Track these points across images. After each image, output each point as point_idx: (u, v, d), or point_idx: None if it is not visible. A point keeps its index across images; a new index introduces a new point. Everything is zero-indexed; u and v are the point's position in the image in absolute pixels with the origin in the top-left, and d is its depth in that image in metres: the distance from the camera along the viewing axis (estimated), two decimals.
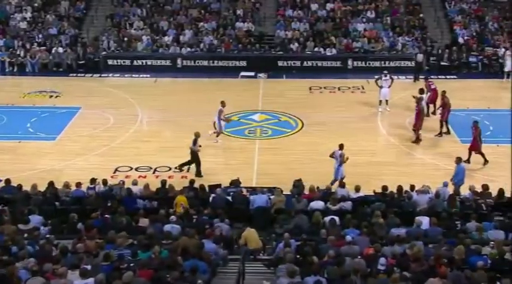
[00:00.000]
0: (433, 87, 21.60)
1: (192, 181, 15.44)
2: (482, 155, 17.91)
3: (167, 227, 12.50)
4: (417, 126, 19.34)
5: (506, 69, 25.47)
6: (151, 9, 31.33)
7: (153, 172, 17.91)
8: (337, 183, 16.06)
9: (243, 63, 28.13)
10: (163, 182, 15.31)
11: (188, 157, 17.68)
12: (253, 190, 15.20)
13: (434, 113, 21.32)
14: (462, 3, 30.72)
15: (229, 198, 14.74)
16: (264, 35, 29.92)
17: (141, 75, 27.48)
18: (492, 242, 11.62)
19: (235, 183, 15.85)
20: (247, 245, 12.38)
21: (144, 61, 28.42)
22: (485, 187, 14.61)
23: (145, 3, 31.48)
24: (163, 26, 30.09)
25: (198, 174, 17.44)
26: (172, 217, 12.86)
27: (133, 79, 27.18)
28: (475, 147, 17.80)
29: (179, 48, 28.77)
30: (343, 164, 16.57)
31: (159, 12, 30.99)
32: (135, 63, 28.33)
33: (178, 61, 28.34)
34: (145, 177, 17.47)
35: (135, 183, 15.48)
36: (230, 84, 26.40)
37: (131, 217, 13.05)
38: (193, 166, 17.73)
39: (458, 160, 15.97)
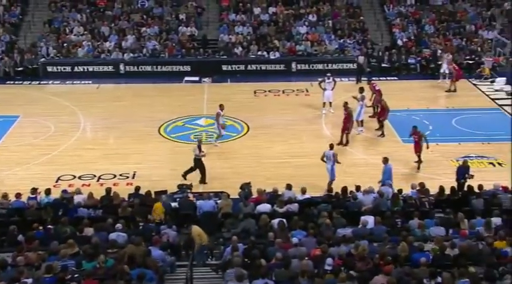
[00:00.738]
0: (377, 88, 22.07)
1: (137, 188, 15.23)
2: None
3: (113, 235, 12.28)
4: (346, 130, 19.44)
5: (442, 70, 26.28)
6: (92, 14, 30.76)
7: (97, 180, 17.55)
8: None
9: (187, 68, 27.99)
10: (108, 190, 15.03)
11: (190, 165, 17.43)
12: (200, 196, 15.16)
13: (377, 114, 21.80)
14: (400, 7, 31.58)
15: (176, 204, 14.64)
16: (208, 40, 29.88)
17: (82, 82, 26.90)
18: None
19: (184, 188, 15.78)
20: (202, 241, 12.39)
21: (85, 67, 27.84)
22: (422, 185, 15.04)
23: (85, 9, 30.88)
24: (105, 32, 29.59)
25: (203, 181, 17.19)
26: (118, 226, 12.65)
27: (74, 86, 26.57)
28: (418, 149, 18.15)
29: (121, 53, 28.35)
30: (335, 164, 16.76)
31: (100, 18, 30.46)
32: (76, 69, 27.71)
33: (121, 67, 27.92)
34: (89, 185, 17.10)
35: (78, 192, 15.12)
36: (174, 89, 26.22)
37: (75, 227, 12.75)
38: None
39: (385, 160, 16.28)
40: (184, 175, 17.30)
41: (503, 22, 30.36)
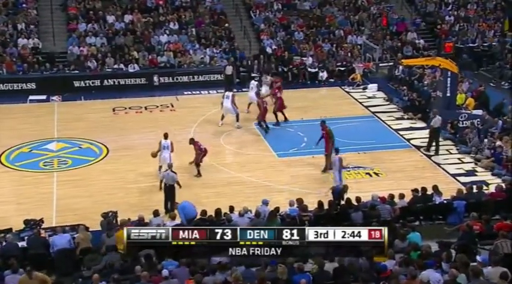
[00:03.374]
0: (279, 95, 23.28)
1: None
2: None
3: None
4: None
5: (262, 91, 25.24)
6: None
7: None
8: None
9: (32, 86, 26.93)
10: None
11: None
12: (52, 231, 14.53)
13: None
14: (267, 12, 32.64)
15: (25, 243, 13.91)
16: (55, 53, 28.91)
17: None
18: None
19: (32, 224, 15.03)
20: None
21: None
22: (300, 201, 15.57)
23: None
24: None
25: (171, 208, 16.49)
26: None
27: None
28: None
29: None
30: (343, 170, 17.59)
31: None
32: None
33: None
34: None
35: None
36: (17, 110, 25.07)
37: None
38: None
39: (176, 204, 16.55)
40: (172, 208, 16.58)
41: (371, 27, 32.47)
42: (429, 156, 20.55)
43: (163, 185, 17.16)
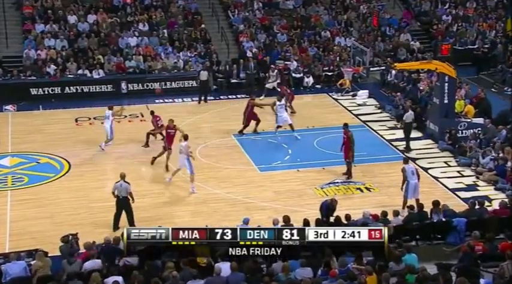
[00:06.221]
0: (289, 91, 25.38)
1: None
2: None
3: None
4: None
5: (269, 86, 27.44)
6: None
7: None
8: None
9: None
10: None
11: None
12: (5, 257, 14.36)
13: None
14: (246, 12, 32.77)
15: None
16: (8, 57, 28.80)
17: None
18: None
19: None
20: None
21: None
22: (286, 219, 15.53)
23: None
24: None
25: (117, 225, 16.72)
26: None
27: None
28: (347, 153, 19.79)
29: None
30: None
31: None
32: None
33: None
34: None
35: None
36: None
37: None
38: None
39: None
40: (116, 226, 16.76)
41: (360, 28, 32.67)
42: (426, 169, 20.65)
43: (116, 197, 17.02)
